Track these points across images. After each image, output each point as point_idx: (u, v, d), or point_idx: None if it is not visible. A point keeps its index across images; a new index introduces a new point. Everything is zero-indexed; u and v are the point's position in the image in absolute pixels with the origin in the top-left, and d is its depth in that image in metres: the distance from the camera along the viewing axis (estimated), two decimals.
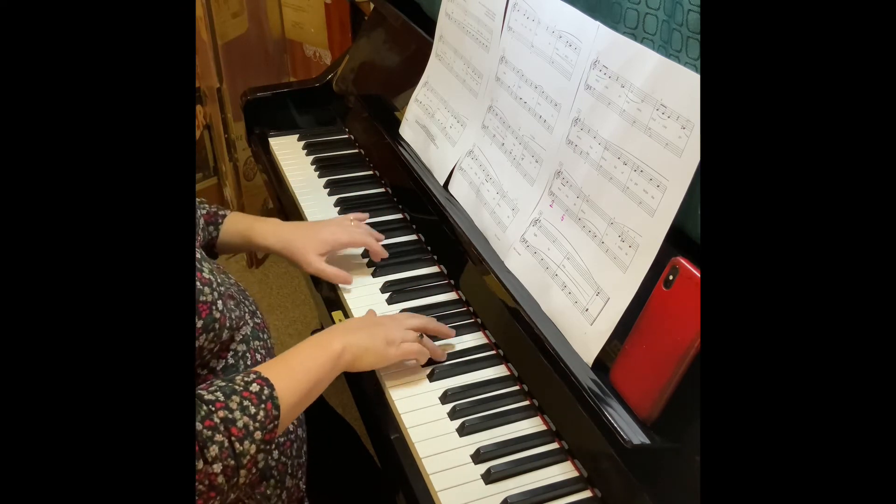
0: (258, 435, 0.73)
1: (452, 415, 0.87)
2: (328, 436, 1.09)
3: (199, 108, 2.10)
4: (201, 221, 1.04)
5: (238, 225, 1.08)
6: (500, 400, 0.89)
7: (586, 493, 0.79)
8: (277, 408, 0.75)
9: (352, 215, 1.15)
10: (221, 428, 0.70)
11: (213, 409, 0.71)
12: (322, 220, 1.15)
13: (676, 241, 0.75)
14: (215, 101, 2.05)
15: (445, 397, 0.89)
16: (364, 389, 0.94)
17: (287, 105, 1.57)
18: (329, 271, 1.06)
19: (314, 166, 1.38)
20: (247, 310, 0.90)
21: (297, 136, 1.48)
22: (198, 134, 2.14)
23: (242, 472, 0.72)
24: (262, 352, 0.89)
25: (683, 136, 0.72)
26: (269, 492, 0.86)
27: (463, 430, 0.85)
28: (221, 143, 2.12)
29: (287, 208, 1.32)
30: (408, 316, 0.96)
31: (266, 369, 0.79)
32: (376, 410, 0.91)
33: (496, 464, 0.81)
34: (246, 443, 0.72)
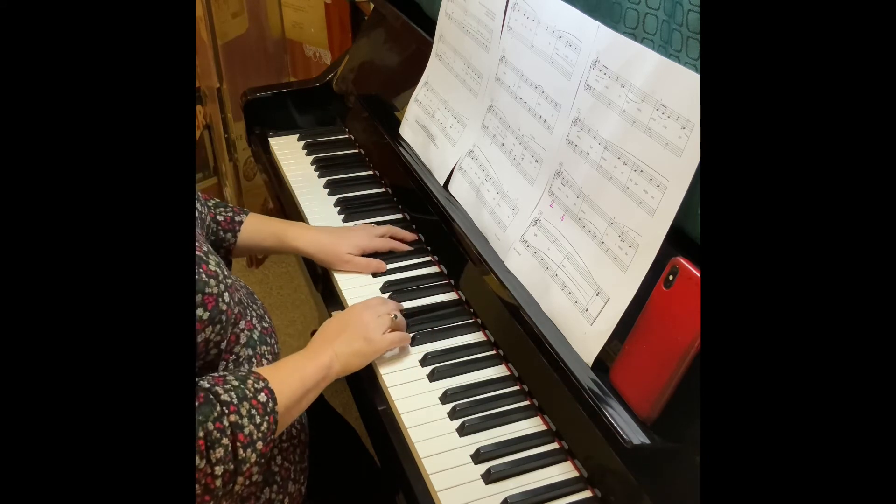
0: (259, 445, 0.74)
1: (452, 415, 0.87)
2: (329, 436, 1.09)
3: (199, 108, 2.10)
4: (212, 224, 1.05)
5: (269, 226, 1.11)
6: (500, 400, 0.89)
7: (586, 493, 0.79)
8: (276, 423, 0.76)
9: (382, 228, 1.16)
10: (229, 432, 0.71)
11: (227, 411, 0.72)
12: (349, 227, 1.18)
13: (676, 241, 0.75)
14: (215, 101, 2.05)
15: (445, 397, 0.89)
16: (364, 389, 0.94)
17: (287, 105, 1.57)
18: (363, 263, 1.10)
19: (314, 166, 1.38)
20: (254, 313, 0.90)
21: (297, 136, 1.48)
22: (198, 134, 2.14)
23: (240, 478, 0.73)
24: (269, 357, 0.89)
25: (683, 136, 0.72)
26: (272, 496, 0.86)
27: (463, 430, 0.85)
28: (221, 143, 2.12)
29: (287, 208, 1.32)
30: (379, 301, 0.98)
31: (269, 376, 0.79)
32: (376, 410, 0.91)
33: (496, 464, 0.81)
34: (248, 450, 0.72)
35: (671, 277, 0.73)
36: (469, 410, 0.87)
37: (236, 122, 2.09)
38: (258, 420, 0.74)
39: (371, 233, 1.13)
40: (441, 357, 0.95)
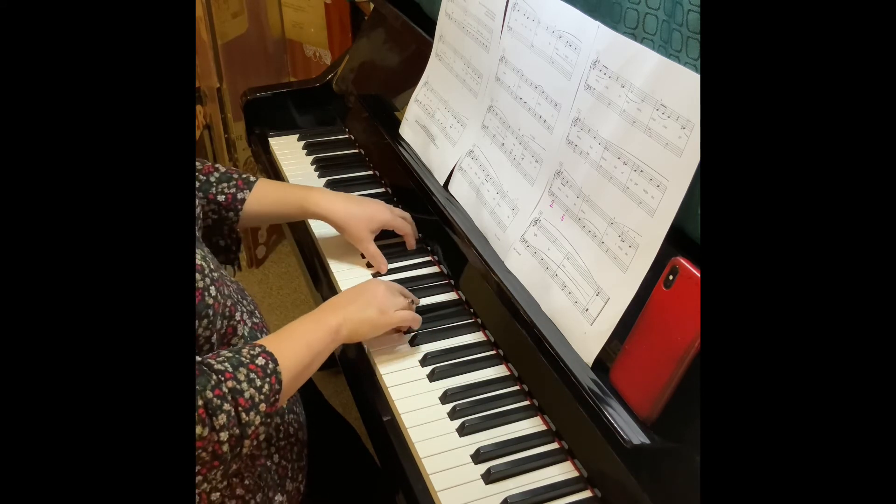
0: (263, 407, 0.74)
1: (452, 415, 0.87)
2: (328, 436, 1.09)
3: (199, 108, 2.10)
4: (211, 206, 1.05)
5: (287, 192, 1.09)
6: (500, 400, 0.89)
7: (586, 493, 0.79)
8: (280, 382, 0.77)
9: (399, 211, 1.16)
10: (229, 398, 0.71)
11: (223, 378, 0.72)
12: (367, 198, 1.15)
13: (676, 241, 0.75)
14: (215, 101, 2.05)
15: (445, 397, 0.89)
16: (364, 390, 0.94)
17: (287, 105, 1.57)
18: (374, 252, 1.09)
19: (314, 166, 1.38)
20: (244, 309, 0.90)
21: (297, 136, 1.48)
22: (198, 134, 2.14)
23: (246, 441, 0.73)
24: None
25: (683, 136, 0.72)
26: (270, 495, 0.86)
27: (463, 430, 0.85)
28: (221, 143, 2.12)
29: None
30: (399, 287, 0.98)
31: (269, 343, 0.80)
32: (376, 410, 0.91)
33: (496, 464, 0.81)
34: (252, 413, 0.73)
35: (671, 277, 0.73)
36: (469, 410, 0.87)
37: (236, 122, 2.09)
38: (258, 383, 0.74)
39: (392, 210, 1.12)
40: (441, 357, 0.95)
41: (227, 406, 0.71)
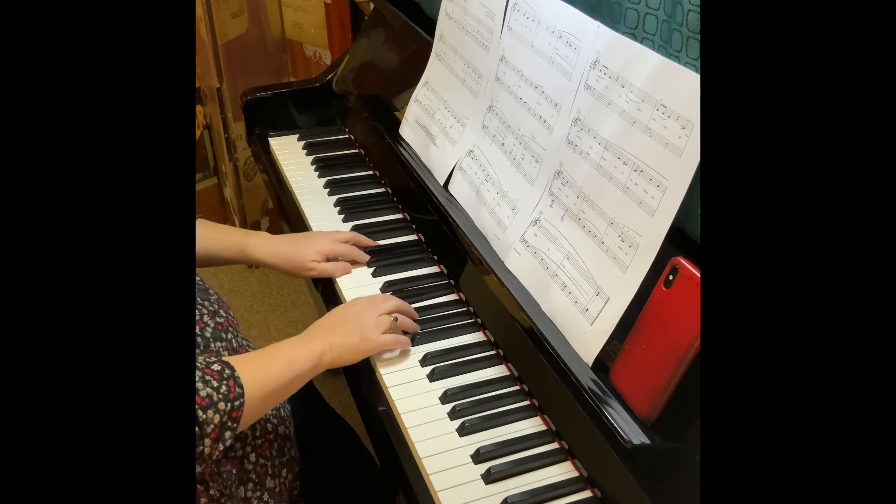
0: (222, 406, 0.73)
1: (452, 415, 0.87)
2: (328, 436, 1.09)
3: (199, 108, 2.10)
4: None
5: (227, 237, 1.09)
6: (500, 400, 0.89)
7: (586, 493, 0.79)
8: (241, 386, 0.76)
9: (345, 235, 1.15)
10: None
11: None
12: (310, 233, 1.17)
13: (676, 241, 0.75)
14: (215, 101, 2.05)
15: (445, 397, 0.89)
16: (364, 390, 0.94)
17: (287, 105, 1.57)
18: (329, 268, 1.09)
19: (314, 166, 1.38)
20: (205, 311, 0.87)
21: (297, 136, 1.48)
22: (198, 134, 2.14)
23: (207, 440, 0.72)
24: (225, 353, 0.86)
25: (683, 136, 0.72)
26: (248, 494, 0.86)
27: (463, 430, 0.85)
28: (221, 143, 2.12)
29: (287, 208, 1.32)
30: (384, 298, 0.98)
31: (234, 359, 0.79)
32: (376, 410, 0.91)
33: (496, 464, 0.81)
34: (209, 412, 0.72)
35: (671, 277, 0.73)
36: (469, 410, 0.87)
37: (236, 122, 2.09)
38: (215, 384, 0.74)
39: (334, 238, 1.12)
40: (441, 357, 0.95)
41: None
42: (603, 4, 0.92)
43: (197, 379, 0.73)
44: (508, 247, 0.96)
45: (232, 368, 0.77)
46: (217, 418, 0.73)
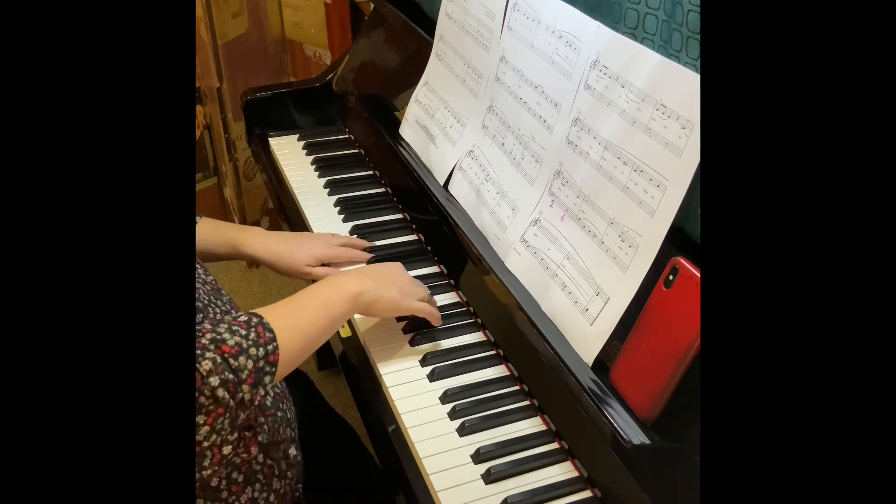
0: (254, 352, 0.73)
1: (452, 415, 0.87)
2: (327, 436, 1.09)
3: (199, 108, 2.10)
4: None
5: (223, 232, 1.09)
6: (500, 400, 0.89)
7: (586, 493, 0.79)
8: (270, 331, 0.76)
9: (341, 238, 1.15)
10: (212, 347, 0.71)
11: (199, 333, 0.71)
12: (306, 234, 1.16)
13: (676, 241, 0.75)
14: (215, 101, 2.05)
15: (445, 397, 0.89)
16: (364, 390, 0.94)
17: (287, 105, 1.57)
18: (323, 273, 1.08)
19: (314, 166, 1.38)
20: (217, 310, 0.87)
21: (297, 136, 1.48)
22: (198, 134, 2.14)
23: (245, 387, 0.72)
24: None
25: (683, 136, 0.72)
26: (255, 495, 0.86)
27: (463, 430, 0.85)
28: (221, 143, 2.12)
29: (287, 208, 1.32)
30: (419, 283, 1.00)
31: (265, 308, 0.80)
32: (376, 410, 0.91)
33: (496, 464, 0.81)
34: (241, 358, 0.72)
35: (671, 277, 0.73)
36: (469, 410, 0.87)
37: (236, 122, 2.09)
38: (243, 332, 0.74)
39: (329, 242, 1.11)
40: (441, 357, 0.95)
41: (209, 354, 0.70)
42: (603, 4, 0.92)
43: (223, 331, 0.73)
44: (508, 247, 0.96)
45: (259, 317, 0.77)
46: (251, 364, 0.73)
